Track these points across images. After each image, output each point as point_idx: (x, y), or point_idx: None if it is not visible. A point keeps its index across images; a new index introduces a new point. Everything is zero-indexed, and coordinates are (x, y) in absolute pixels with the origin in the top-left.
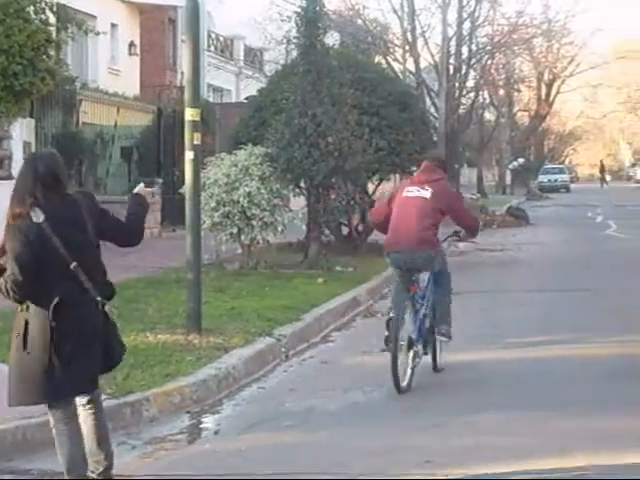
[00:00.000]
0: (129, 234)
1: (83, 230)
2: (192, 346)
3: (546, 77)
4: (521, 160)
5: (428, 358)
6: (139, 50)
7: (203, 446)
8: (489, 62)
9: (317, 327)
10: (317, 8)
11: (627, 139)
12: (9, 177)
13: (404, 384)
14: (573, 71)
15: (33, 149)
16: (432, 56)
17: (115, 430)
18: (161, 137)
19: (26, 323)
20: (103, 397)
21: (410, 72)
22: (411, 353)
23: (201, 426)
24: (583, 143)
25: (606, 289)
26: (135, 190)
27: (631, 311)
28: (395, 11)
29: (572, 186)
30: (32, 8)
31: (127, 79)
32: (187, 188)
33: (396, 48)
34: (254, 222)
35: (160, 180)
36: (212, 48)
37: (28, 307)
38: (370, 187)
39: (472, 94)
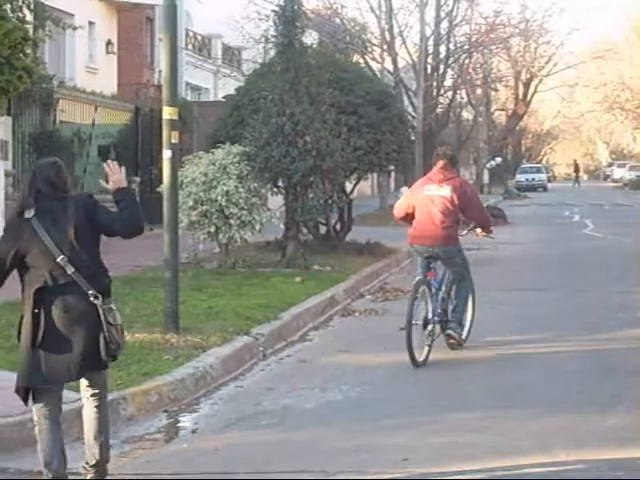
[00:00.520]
0: (127, 222)
1: (72, 225)
2: (170, 345)
3: (523, 76)
4: (499, 159)
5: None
6: (117, 48)
7: (181, 445)
8: (467, 61)
9: (295, 326)
10: (295, 7)
11: (604, 139)
12: None
13: (420, 359)
14: (550, 70)
15: (10, 148)
16: (410, 55)
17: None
18: (139, 136)
19: (21, 316)
20: (78, 396)
21: (388, 71)
22: (426, 331)
23: (179, 425)
24: (560, 142)
25: (583, 288)
26: (109, 186)
27: (607, 310)
28: (373, 10)
29: (549, 185)
30: (9, 6)
31: (105, 77)
32: (165, 187)
33: (374, 47)
34: (232, 221)
35: (138, 179)
36: (190, 47)
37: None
38: (348, 186)
39: (450, 93)
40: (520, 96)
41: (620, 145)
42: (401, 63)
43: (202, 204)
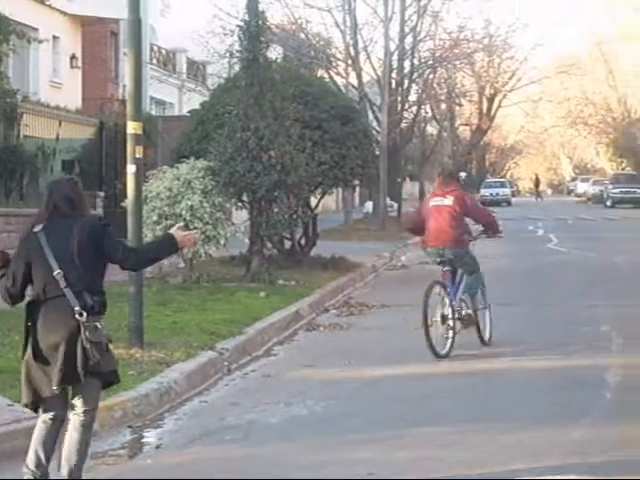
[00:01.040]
0: (140, 260)
1: (76, 242)
2: (134, 360)
3: (487, 91)
4: (463, 174)
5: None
6: (81, 63)
7: (145, 461)
8: (431, 76)
9: (259, 341)
10: (259, 22)
11: (567, 153)
12: None
13: (443, 352)
14: (514, 86)
15: None
16: (374, 70)
17: (56, 445)
18: (103, 150)
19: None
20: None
21: (353, 86)
22: (445, 326)
23: (143, 440)
24: (524, 157)
25: (549, 303)
26: (172, 230)
27: (573, 324)
28: (338, 25)
29: (513, 200)
30: None
31: (69, 92)
32: (129, 201)
33: (339, 62)
34: (196, 236)
35: (102, 194)
36: (154, 61)
37: None
38: (313, 200)
39: (414, 108)
40: (484, 111)
41: (583, 160)
42: (365, 78)
43: (166, 219)
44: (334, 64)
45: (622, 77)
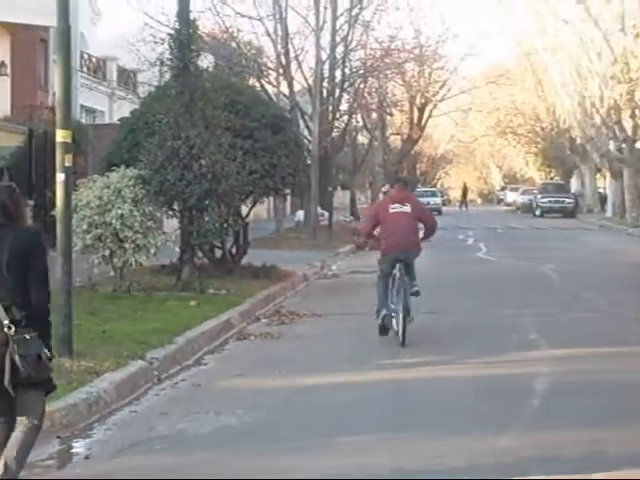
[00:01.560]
0: (36, 307)
1: (3, 256)
2: (63, 370)
3: (418, 101)
4: None
5: None
6: (10, 70)
7: (73, 471)
8: (362, 86)
9: (190, 350)
10: (190, 31)
11: (497, 163)
12: None
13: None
14: (444, 95)
15: None
16: (306, 79)
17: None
18: (32, 159)
19: None
20: None
21: (284, 95)
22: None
23: (72, 451)
24: (454, 166)
25: (477, 311)
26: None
27: (501, 332)
28: (269, 34)
29: (444, 209)
30: None
31: None
32: (58, 210)
33: (270, 71)
34: (127, 244)
35: (31, 202)
36: (85, 69)
37: None
38: (244, 209)
39: (345, 117)
40: (415, 120)
41: (513, 169)
42: (297, 87)
43: (96, 227)
44: (265, 73)
45: (550, 87)
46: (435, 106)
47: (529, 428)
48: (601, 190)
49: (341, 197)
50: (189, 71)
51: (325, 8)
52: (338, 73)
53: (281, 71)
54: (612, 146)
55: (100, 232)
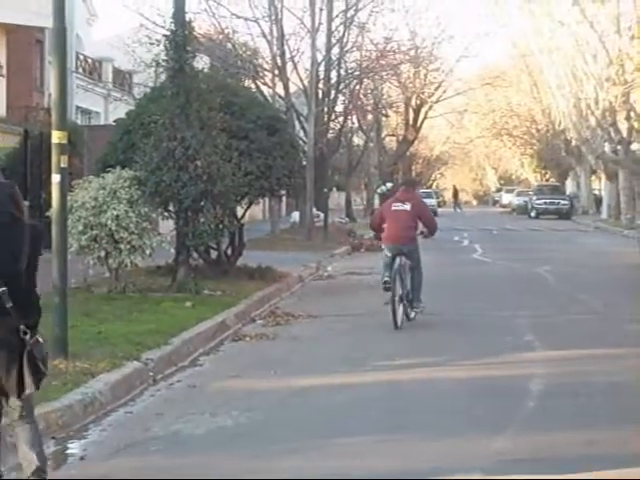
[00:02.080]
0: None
1: (9, 250)
2: (58, 371)
3: (414, 103)
4: (389, 184)
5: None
6: (5, 71)
7: (69, 472)
8: (358, 87)
9: (185, 351)
10: (186, 32)
11: (492, 164)
12: None
13: (399, 324)
14: (440, 97)
15: None
16: (301, 80)
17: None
18: (28, 160)
19: None
20: None
21: (279, 96)
22: (401, 306)
23: (67, 452)
24: (450, 168)
25: (472, 312)
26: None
27: (496, 334)
28: (265, 36)
29: (439, 210)
30: None
31: None
32: (54, 211)
33: (265, 72)
34: (122, 245)
35: (27, 203)
36: (80, 70)
37: None
38: (239, 210)
39: (341, 118)
40: (410, 122)
41: (508, 171)
42: (292, 88)
43: (92, 228)
44: (261, 74)
45: (546, 89)
46: (431, 107)
47: (524, 429)
48: (596, 192)
49: (336, 198)
50: (185, 72)
51: (321, 10)
52: (334, 74)
53: (277, 72)
54: (607, 148)
55: (95, 233)
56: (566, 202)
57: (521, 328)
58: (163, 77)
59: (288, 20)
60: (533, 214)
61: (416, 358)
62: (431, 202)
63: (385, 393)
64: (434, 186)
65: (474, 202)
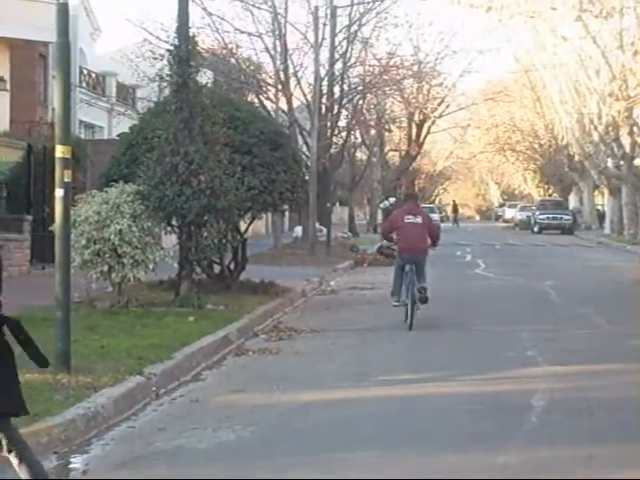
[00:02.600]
0: None
1: None
2: (61, 385)
3: (416, 118)
4: (392, 199)
5: None
6: (9, 85)
7: None
8: (361, 102)
9: (188, 365)
10: (189, 47)
11: (495, 179)
12: None
13: (411, 324)
14: (443, 112)
15: None
16: (304, 95)
17: None
18: (31, 174)
19: None
20: None
21: (283, 111)
22: (409, 307)
23: (69, 467)
24: (453, 183)
25: (475, 327)
26: None
27: (498, 349)
28: (268, 50)
29: (442, 225)
30: None
31: None
32: (57, 226)
33: (269, 87)
34: (125, 260)
35: (30, 217)
36: (84, 84)
37: None
38: (242, 225)
39: (344, 133)
40: (413, 137)
41: (511, 186)
42: (296, 103)
43: (95, 243)
44: (264, 89)
45: (549, 104)
46: (434, 122)
47: (527, 445)
48: (599, 207)
49: (339, 213)
50: (188, 87)
51: (324, 25)
52: (337, 89)
53: (280, 87)
54: (610, 163)
55: (98, 247)
56: (569, 217)
57: (524, 343)
58: (166, 92)
59: (291, 35)
60: (536, 229)
61: (418, 373)
62: (434, 217)
63: (387, 408)
64: (436, 201)
65: (477, 217)
